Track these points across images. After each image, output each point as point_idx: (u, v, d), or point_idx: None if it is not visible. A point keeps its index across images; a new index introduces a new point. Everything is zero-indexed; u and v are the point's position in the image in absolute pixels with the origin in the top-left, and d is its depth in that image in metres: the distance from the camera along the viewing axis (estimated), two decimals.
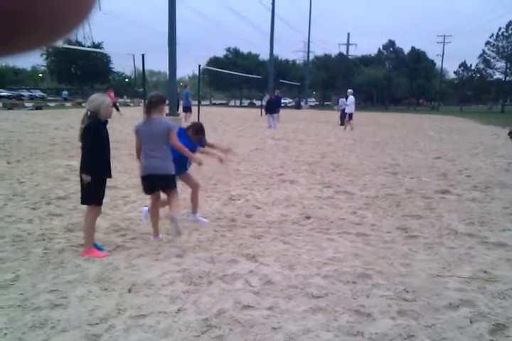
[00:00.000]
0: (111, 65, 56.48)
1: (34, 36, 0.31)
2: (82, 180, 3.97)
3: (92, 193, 3.97)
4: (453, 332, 2.76)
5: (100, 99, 3.93)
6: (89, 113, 3.89)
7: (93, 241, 4.04)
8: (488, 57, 53.84)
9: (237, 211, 5.62)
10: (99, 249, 4.05)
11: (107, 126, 4.03)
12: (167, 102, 4.73)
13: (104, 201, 4.14)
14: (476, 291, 3.37)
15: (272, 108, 19.96)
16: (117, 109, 22.80)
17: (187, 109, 20.96)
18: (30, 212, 5.28)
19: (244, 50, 64.32)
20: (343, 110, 20.98)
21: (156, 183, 4.30)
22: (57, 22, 0.31)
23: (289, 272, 3.67)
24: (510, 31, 52.05)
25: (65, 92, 44.58)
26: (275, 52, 44.27)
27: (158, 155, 4.17)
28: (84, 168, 3.93)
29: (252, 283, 3.44)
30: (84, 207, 5.49)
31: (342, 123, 21.00)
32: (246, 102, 70.49)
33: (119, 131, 13.92)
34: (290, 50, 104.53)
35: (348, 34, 66.24)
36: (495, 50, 53.16)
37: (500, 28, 52.29)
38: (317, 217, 5.41)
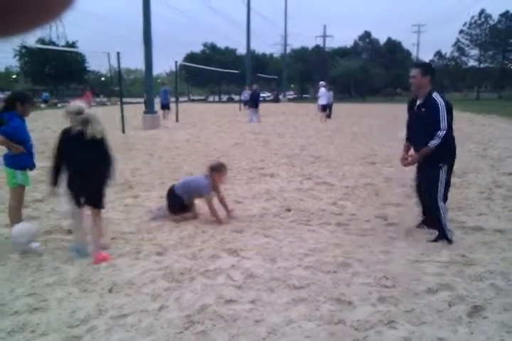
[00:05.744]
0: (86, 64, 55.55)
1: (19, 18, 0.31)
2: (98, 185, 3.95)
3: (103, 197, 3.97)
4: (432, 315, 2.81)
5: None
6: None
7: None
8: (462, 45, 54.56)
9: (218, 206, 5.60)
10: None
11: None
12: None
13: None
14: (454, 275, 3.43)
15: (254, 102, 20.00)
16: None
17: (165, 106, 20.73)
18: (7, 216, 5.17)
19: (221, 45, 63.74)
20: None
21: None
22: (43, 6, 0.32)
23: (271, 265, 3.68)
24: (482, 19, 52.81)
25: (45, 94, 43.46)
26: (252, 46, 44.08)
27: None
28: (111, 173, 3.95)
29: (234, 277, 3.44)
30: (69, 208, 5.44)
31: (329, 116, 21.02)
32: (225, 97, 70.15)
33: None
34: (267, 44, 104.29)
35: (325, 26, 66.36)
36: (468, 38, 53.90)
37: (473, 17, 53.06)
38: (298, 209, 5.44)
